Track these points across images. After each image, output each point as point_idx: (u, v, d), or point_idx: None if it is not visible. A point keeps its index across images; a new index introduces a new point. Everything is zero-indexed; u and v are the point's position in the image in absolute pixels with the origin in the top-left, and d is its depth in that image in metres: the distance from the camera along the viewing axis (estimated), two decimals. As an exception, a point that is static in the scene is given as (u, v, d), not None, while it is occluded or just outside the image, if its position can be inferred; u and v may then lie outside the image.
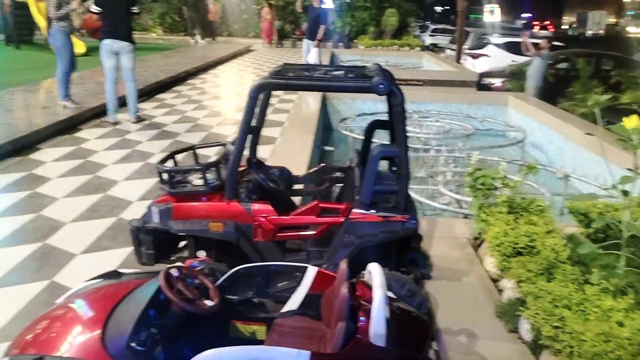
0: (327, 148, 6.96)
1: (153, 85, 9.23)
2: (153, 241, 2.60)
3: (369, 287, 1.79)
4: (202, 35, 20.44)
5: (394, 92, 2.38)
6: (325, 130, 7.75)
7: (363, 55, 16.51)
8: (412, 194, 3.74)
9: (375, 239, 2.46)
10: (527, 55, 10.35)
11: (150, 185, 4.57)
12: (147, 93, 8.60)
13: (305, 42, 10.36)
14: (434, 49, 19.75)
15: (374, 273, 1.82)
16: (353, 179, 2.79)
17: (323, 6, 10.35)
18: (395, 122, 2.45)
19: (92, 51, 12.09)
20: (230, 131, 6.70)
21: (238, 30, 23.58)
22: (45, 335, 1.69)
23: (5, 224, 3.72)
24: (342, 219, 2.49)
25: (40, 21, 13.61)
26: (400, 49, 18.59)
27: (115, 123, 6.65)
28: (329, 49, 15.86)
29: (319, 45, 10.11)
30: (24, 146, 5.45)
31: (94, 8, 6.22)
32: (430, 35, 23.45)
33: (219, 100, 9.10)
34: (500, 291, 2.84)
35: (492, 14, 32.03)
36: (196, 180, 2.64)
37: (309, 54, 10.15)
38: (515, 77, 10.95)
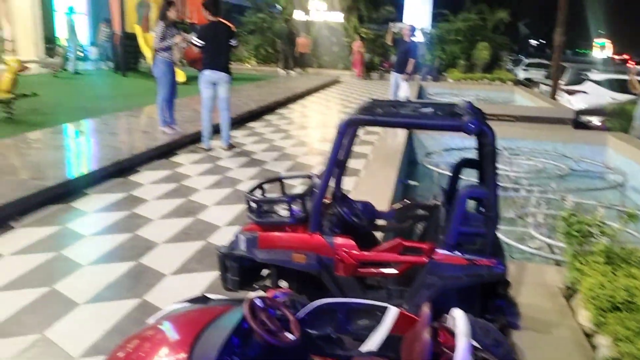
0: (411, 182, 6.88)
1: (245, 114, 9.63)
2: (238, 268, 2.68)
3: (451, 334, 1.73)
4: (293, 67, 21.15)
5: (484, 131, 2.33)
6: (410, 163, 7.69)
7: (452, 88, 16.33)
8: (500, 236, 3.60)
9: (459, 282, 2.38)
10: (633, 94, 9.73)
11: (238, 212, 4.73)
12: (239, 121, 8.98)
13: (394, 75, 10.40)
14: (528, 83, 19.12)
15: (458, 319, 1.76)
16: (438, 218, 2.74)
17: (414, 39, 10.37)
18: (485, 162, 2.39)
19: (190, 80, 12.88)
20: (315, 161, 6.83)
21: (328, 62, 24.15)
22: (135, 355, 1.77)
23: (105, 242, 3.99)
24: (425, 259, 2.45)
25: (146, 51, 14.72)
26: (492, 83, 18.19)
27: (209, 149, 6.99)
28: (416, 82, 15.83)
29: (408, 79, 10.12)
30: (125, 168, 5.84)
31: (197, 41, 6.62)
32: (524, 70, 22.78)
33: (306, 130, 9.32)
34: (594, 348, 2.65)
35: (602, 50, 30.48)
36: (282, 210, 2.71)
37: (398, 87, 10.18)
38: (616, 116, 10.33)
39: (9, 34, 21.06)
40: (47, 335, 2.75)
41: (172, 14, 6.96)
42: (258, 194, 2.81)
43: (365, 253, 2.53)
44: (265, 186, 2.90)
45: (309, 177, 2.94)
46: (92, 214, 4.54)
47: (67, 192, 4.91)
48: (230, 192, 5.36)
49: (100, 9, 23.91)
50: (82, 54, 18.13)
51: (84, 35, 21.27)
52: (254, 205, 2.70)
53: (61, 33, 21.64)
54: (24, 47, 20.22)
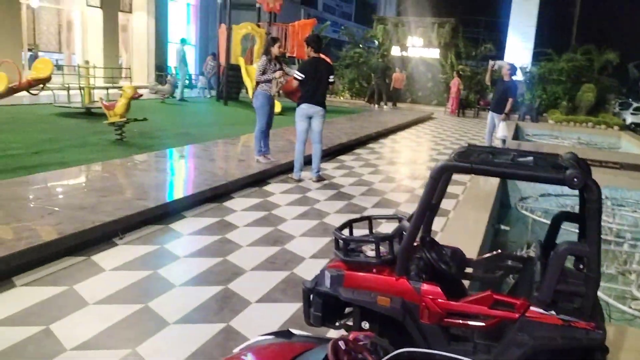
0: (503, 227, 6.61)
1: (336, 147, 9.79)
2: (322, 304, 2.70)
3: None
4: (387, 101, 21.27)
5: (589, 186, 2.21)
6: (502, 207, 7.40)
7: (552, 130, 15.63)
8: (599, 294, 3.36)
9: (553, 344, 2.24)
10: None
11: (323, 245, 4.78)
12: (330, 154, 9.14)
13: (490, 115, 10.15)
14: (636, 128, 17.88)
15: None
16: (532, 273, 2.61)
17: (514, 77, 10.09)
18: (588, 218, 2.26)
19: (286, 110, 13.33)
20: (403, 198, 6.77)
21: (421, 97, 24.06)
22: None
23: (197, 264, 4.17)
24: (517, 315, 2.33)
25: (247, 82, 15.45)
26: (596, 127, 17.19)
27: (299, 180, 7.15)
28: (514, 122, 15.33)
29: (506, 119, 9.83)
30: (220, 194, 6.10)
31: (297, 75, 6.86)
32: (632, 114, 21.36)
33: (395, 166, 9.28)
34: None
35: None
36: (369, 251, 2.70)
37: (494, 127, 9.92)
38: None
39: (125, 62, 23.00)
40: (138, 351, 2.90)
41: (275, 50, 7.29)
42: (346, 232, 2.83)
43: (453, 302, 2.45)
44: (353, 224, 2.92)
45: (399, 219, 2.92)
46: (187, 236, 4.78)
47: (166, 214, 5.21)
48: (316, 224, 5.43)
49: (208, 42, 25.56)
50: (188, 82, 19.34)
51: (192, 65, 22.72)
52: (341, 242, 2.72)
53: (171, 62, 23.31)
54: (138, 74, 21.96)
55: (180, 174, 7.12)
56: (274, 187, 6.80)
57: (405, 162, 10.00)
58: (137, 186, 5.86)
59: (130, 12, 22.33)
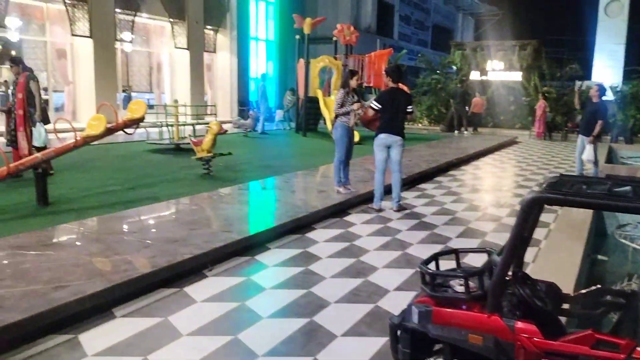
0: (600, 257, 6.21)
1: (416, 175, 9.68)
2: (410, 340, 2.65)
3: None
4: (467, 127, 20.83)
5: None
6: (599, 235, 6.96)
7: (649, 151, 14.59)
8: None
9: (665, 390, 2.06)
10: None
11: (407, 276, 4.71)
12: (409, 182, 9.04)
13: (580, 138, 9.65)
14: None
15: None
16: (637, 309, 2.42)
17: (603, 98, 9.58)
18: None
19: (364, 139, 13.40)
20: (488, 228, 6.55)
21: (504, 121, 23.34)
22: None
23: (283, 296, 4.24)
24: (622, 357, 2.17)
25: (325, 113, 15.73)
26: (701, 147, 15.86)
27: (380, 210, 7.12)
28: (606, 144, 14.48)
29: (595, 142, 9.32)
30: (302, 225, 6.20)
31: (375, 105, 6.91)
32: None
33: (478, 193, 9.02)
34: None
35: None
36: (458, 286, 2.63)
37: (584, 151, 9.42)
38: None
39: (210, 99, 24.16)
40: (229, 383, 2.97)
41: (352, 83, 7.40)
42: (432, 266, 2.77)
43: (551, 342, 2.32)
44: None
45: (488, 252, 2.83)
46: (272, 268, 4.88)
47: (251, 245, 5.35)
48: (399, 255, 5.36)
49: (287, 76, 26.37)
50: (269, 116, 19.99)
51: (271, 99, 23.49)
52: (427, 277, 2.67)
53: (253, 97, 24.23)
54: (222, 109, 22.95)
55: (263, 205, 7.31)
56: (355, 218, 6.81)
57: (489, 189, 9.70)
58: (224, 219, 6.09)
59: (215, 51, 23.54)
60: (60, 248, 4.79)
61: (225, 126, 9.53)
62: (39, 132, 7.85)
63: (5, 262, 4.33)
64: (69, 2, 16.76)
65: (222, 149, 9.65)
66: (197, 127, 13.83)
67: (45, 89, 18.11)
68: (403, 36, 38.60)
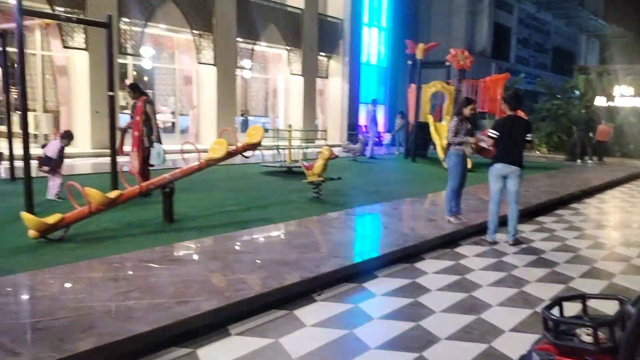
0: None
1: (533, 207, 9.17)
2: (529, 389, 2.49)
3: None
4: (591, 156, 19.44)
5: None
6: None
7: None
8: None
9: None
10: None
11: (524, 317, 4.44)
12: (526, 214, 8.57)
13: None
14: None
15: None
16: None
17: None
18: None
19: (476, 167, 12.96)
20: (616, 268, 6.01)
21: (635, 151, 21.48)
22: None
23: (390, 327, 4.18)
24: None
25: (436, 139, 15.47)
26: None
27: (493, 243, 6.83)
28: None
29: None
30: (411, 254, 6.10)
31: (492, 133, 6.68)
32: None
33: (605, 230, 8.34)
34: None
35: None
36: (584, 335, 2.44)
37: None
38: None
39: (321, 123, 24.80)
40: (337, 412, 2.97)
41: (466, 111, 7.23)
42: (556, 311, 2.60)
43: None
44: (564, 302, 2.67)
45: (620, 300, 2.60)
46: (380, 297, 4.84)
47: (359, 272, 5.36)
48: (515, 294, 5.08)
49: (397, 101, 26.40)
50: (377, 140, 20.07)
51: (381, 123, 23.61)
52: (551, 323, 2.51)
53: (362, 121, 24.51)
54: (332, 133, 23.46)
55: (371, 232, 7.31)
56: (467, 250, 6.58)
57: (617, 225, 8.92)
58: (333, 243, 6.17)
59: (327, 77, 24.21)
60: (183, 264, 5.12)
61: (334, 150, 9.70)
62: (158, 152, 8.42)
63: (135, 275, 4.71)
64: (197, 32, 18.16)
65: (332, 173, 9.83)
66: (308, 150, 14.21)
67: (173, 113, 19.69)
68: (520, 59, 37.16)
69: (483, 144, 6.75)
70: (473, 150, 7.36)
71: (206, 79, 19.09)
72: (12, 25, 6.82)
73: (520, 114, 7.26)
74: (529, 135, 6.64)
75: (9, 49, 9.92)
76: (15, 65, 7.72)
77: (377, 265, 5.63)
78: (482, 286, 5.24)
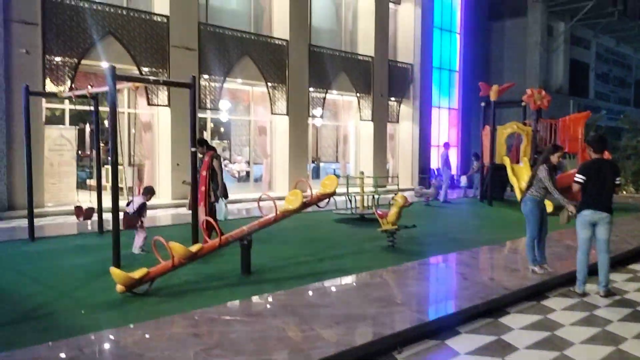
0: None
1: (624, 253, 8.57)
2: None
3: None
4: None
5: None
6: None
7: None
8: None
9: None
10: None
11: (624, 381, 4.10)
12: (617, 262, 8.02)
13: None
14: None
15: None
16: None
17: None
18: None
19: (558, 209, 12.31)
20: None
21: None
22: None
23: (477, 389, 3.98)
24: None
25: (514, 181, 14.93)
26: None
27: (583, 294, 6.42)
28: None
29: None
30: (494, 308, 5.84)
31: (578, 177, 6.35)
32: None
33: None
34: None
35: None
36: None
37: None
38: None
39: (392, 167, 24.73)
40: None
41: (554, 159, 6.96)
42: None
43: None
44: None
45: None
46: (464, 356, 4.62)
47: (441, 328, 5.18)
48: (611, 352, 4.71)
49: (470, 142, 25.94)
50: (451, 184, 19.66)
51: (454, 166, 23.20)
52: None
53: (434, 164, 24.20)
54: (403, 177, 23.30)
55: (450, 284, 7.06)
56: (554, 302, 6.21)
57: None
58: (411, 296, 6.02)
59: (397, 121, 24.24)
60: (262, 318, 5.15)
61: (406, 194, 9.59)
62: (221, 207, 8.65)
63: (216, 330, 4.79)
64: (271, 84, 18.86)
65: (405, 218, 9.69)
66: (380, 195, 14.13)
67: (248, 162, 20.34)
68: (600, 95, 35.64)
69: (577, 186, 6.42)
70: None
71: (279, 129, 19.65)
72: (105, 89, 7.36)
73: (607, 155, 6.90)
74: (617, 179, 6.29)
75: (100, 108, 10.69)
76: (106, 122, 8.33)
77: (458, 320, 5.43)
78: (575, 344, 4.90)
